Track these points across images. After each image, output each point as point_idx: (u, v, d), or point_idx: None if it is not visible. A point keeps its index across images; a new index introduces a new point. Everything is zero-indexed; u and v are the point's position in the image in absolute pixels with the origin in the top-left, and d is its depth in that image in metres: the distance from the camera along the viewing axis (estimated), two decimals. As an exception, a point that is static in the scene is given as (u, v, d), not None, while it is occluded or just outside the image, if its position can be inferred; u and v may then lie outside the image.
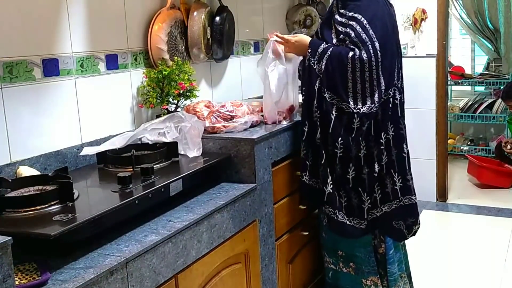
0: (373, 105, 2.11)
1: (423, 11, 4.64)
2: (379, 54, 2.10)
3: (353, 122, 2.12)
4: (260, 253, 2.06)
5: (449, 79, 4.73)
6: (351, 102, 2.11)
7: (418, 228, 2.32)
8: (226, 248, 1.83)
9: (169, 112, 2.20)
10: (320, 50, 2.16)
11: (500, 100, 4.86)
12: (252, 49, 3.12)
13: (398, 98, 2.23)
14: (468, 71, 5.36)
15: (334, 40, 2.20)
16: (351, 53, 2.09)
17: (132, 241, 1.49)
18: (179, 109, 2.25)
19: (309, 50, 2.19)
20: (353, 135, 2.13)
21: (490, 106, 5.07)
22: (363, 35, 2.10)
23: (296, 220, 2.37)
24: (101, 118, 2.07)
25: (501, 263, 3.01)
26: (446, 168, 4.08)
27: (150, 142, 2.02)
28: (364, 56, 2.08)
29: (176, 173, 1.80)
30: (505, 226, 3.53)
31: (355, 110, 2.10)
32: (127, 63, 2.20)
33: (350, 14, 2.16)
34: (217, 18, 2.61)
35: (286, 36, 2.27)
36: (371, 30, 2.11)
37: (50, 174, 1.68)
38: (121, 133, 2.06)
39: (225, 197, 1.87)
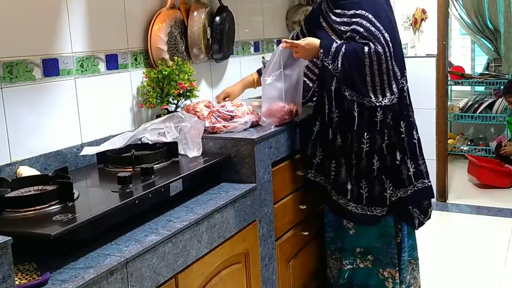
0: (393, 96, 2.18)
1: (423, 11, 4.65)
2: (391, 45, 2.16)
3: (376, 116, 2.18)
4: (260, 253, 2.06)
5: (449, 79, 4.73)
6: (373, 96, 2.16)
7: (431, 210, 2.41)
8: (226, 248, 1.83)
9: (169, 112, 2.20)
10: (333, 49, 2.19)
11: (500, 100, 4.86)
12: (252, 49, 3.12)
13: (407, 86, 2.30)
14: (468, 71, 5.36)
15: (338, 41, 2.23)
16: (366, 48, 2.14)
17: (132, 241, 1.49)
18: (179, 109, 2.25)
19: (321, 51, 2.21)
20: (377, 128, 2.19)
21: (490, 106, 5.08)
22: (372, 29, 2.15)
23: (296, 220, 2.37)
24: (101, 118, 2.07)
25: (501, 263, 3.01)
26: (446, 168, 4.08)
27: (150, 142, 2.02)
28: (379, 48, 2.13)
29: (176, 173, 1.81)
30: (505, 226, 3.53)
31: (377, 104, 2.16)
32: (127, 63, 2.20)
33: (351, 12, 2.20)
34: (217, 18, 2.61)
35: (295, 41, 2.28)
36: (378, 23, 2.16)
37: (50, 174, 1.68)
38: (121, 133, 2.06)
39: (225, 197, 1.87)
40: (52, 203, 1.46)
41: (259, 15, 3.21)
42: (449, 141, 4.92)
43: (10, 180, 1.59)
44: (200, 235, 1.68)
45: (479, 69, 5.42)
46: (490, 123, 5.10)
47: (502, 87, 4.73)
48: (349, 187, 2.23)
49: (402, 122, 2.25)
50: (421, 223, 2.40)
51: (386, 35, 2.15)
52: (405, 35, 4.14)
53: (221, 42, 2.64)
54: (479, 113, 5.05)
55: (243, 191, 1.94)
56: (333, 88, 2.21)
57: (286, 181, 2.27)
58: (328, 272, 2.50)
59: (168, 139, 2.01)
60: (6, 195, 1.51)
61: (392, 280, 2.37)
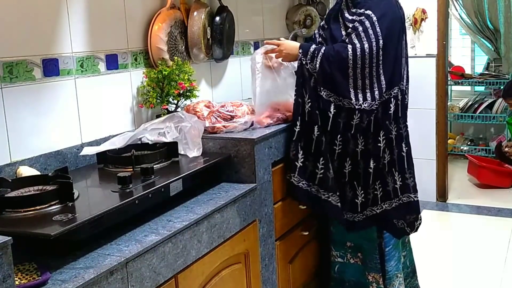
0: (373, 102, 2.14)
1: (423, 11, 4.64)
2: (381, 53, 2.12)
3: (353, 118, 2.14)
4: (260, 253, 2.06)
5: (449, 79, 4.73)
6: (353, 98, 2.13)
7: (419, 223, 2.35)
8: (226, 248, 1.83)
9: (169, 112, 2.20)
10: (311, 49, 2.19)
11: (500, 100, 4.86)
12: (252, 49, 3.12)
13: (400, 99, 2.24)
14: (468, 71, 5.35)
15: (344, 36, 2.22)
16: (349, 47, 2.11)
17: (132, 241, 1.49)
18: (179, 109, 2.25)
19: (300, 51, 2.20)
20: (352, 131, 2.16)
21: (490, 106, 5.07)
22: (370, 31, 2.13)
23: (296, 220, 2.37)
24: (101, 118, 2.07)
25: (501, 263, 3.01)
26: (446, 168, 4.08)
27: (150, 142, 2.02)
28: (366, 49, 2.10)
29: (176, 173, 1.81)
30: (505, 226, 3.53)
31: (356, 106, 2.12)
32: (127, 63, 2.20)
33: (361, 10, 2.19)
34: (217, 18, 2.61)
35: (271, 42, 2.31)
36: (378, 27, 2.13)
37: (50, 174, 1.68)
38: (121, 133, 2.06)
39: (225, 197, 1.87)
40: (52, 203, 1.46)
41: (259, 15, 3.21)
42: (449, 141, 4.92)
43: (10, 180, 1.59)
44: (200, 235, 1.68)
45: (479, 69, 5.41)
46: (490, 123, 5.10)
47: (502, 87, 4.73)
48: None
49: (382, 132, 2.20)
50: (405, 233, 2.33)
51: (381, 42, 2.11)
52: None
53: (221, 42, 2.64)
54: (479, 113, 5.05)
55: (243, 191, 1.94)
56: (311, 87, 2.19)
57: (286, 181, 2.27)
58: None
59: (168, 139, 2.01)
60: (6, 195, 1.51)
61: (376, 285, 2.35)
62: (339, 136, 2.17)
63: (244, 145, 2.04)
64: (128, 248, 1.44)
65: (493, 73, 5.11)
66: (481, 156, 4.86)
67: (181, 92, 2.23)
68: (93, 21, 2.03)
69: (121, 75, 2.17)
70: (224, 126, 2.14)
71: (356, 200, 2.24)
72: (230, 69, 2.91)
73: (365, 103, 2.13)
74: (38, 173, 1.73)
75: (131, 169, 1.80)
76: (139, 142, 2.03)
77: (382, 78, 2.15)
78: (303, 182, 2.22)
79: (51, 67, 1.87)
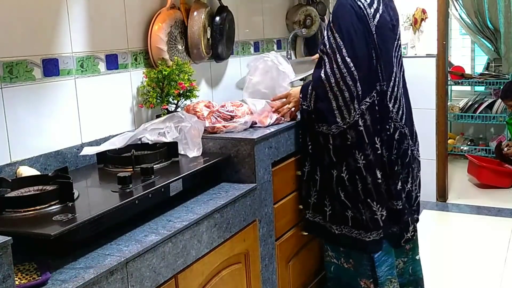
0: (354, 112, 2.13)
1: (423, 11, 4.65)
2: (348, 64, 2.10)
3: (348, 139, 2.15)
4: (260, 253, 2.06)
5: (449, 79, 4.73)
6: (340, 121, 2.14)
7: (411, 236, 2.35)
8: (226, 248, 1.83)
9: (169, 112, 2.20)
10: (308, 90, 2.22)
11: (500, 100, 4.86)
12: (252, 49, 3.12)
13: (377, 100, 2.19)
14: (468, 71, 5.36)
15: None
16: (322, 74, 2.14)
17: (132, 241, 1.49)
18: (179, 109, 2.25)
19: (301, 96, 2.25)
20: (350, 150, 2.17)
21: (490, 106, 5.07)
22: (334, 45, 2.13)
23: (296, 220, 2.37)
24: (101, 118, 2.07)
25: (501, 263, 3.01)
26: (446, 168, 4.08)
27: (150, 142, 2.02)
28: (328, 71, 2.12)
29: (176, 173, 1.80)
30: (505, 226, 3.53)
31: (345, 126, 2.13)
32: (127, 63, 2.20)
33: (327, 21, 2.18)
34: (217, 18, 2.61)
35: (278, 102, 2.35)
36: (339, 37, 2.11)
37: (50, 174, 1.68)
38: (121, 133, 2.06)
39: (225, 197, 1.87)
40: (52, 203, 1.46)
41: (259, 15, 3.21)
42: (449, 141, 4.92)
43: (10, 180, 1.59)
44: (200, 235, 1.68)
45: (479, 69, 5.41)
46: (490, 123, 5.10)
47: (502, 87, 4.73)
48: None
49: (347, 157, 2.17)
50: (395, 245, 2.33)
51: (344, 52, 2.09)
52: (405, 35, 4.14)
53: (221, 42, 2.64)
54: (479, 113, 5.05)
55: (243, 191, 1.94)
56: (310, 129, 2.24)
57: (286, 181, 2.27)
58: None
59: (168, 139, 2.01)
60: (6, 195, 1.51)
61: None
62: (344, 163, 2.18)
63: (244, 145, 2.04)
64: (128, 248, 1.44)
65: (493, 73, 5.11)
66: (481, 156, 4.86)
67: (181, 92, 2.23)
68: (93, 21, 2.03)
69: (121, 75, 2.17)
70: (224, 126, 2.14)
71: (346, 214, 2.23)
72: (230, 69, 2.91)
73: (351, 117, 2.13)
74: (38, 173, 1.73)
75: (131, 169, 1.80)
76: (139, 142, 2.03)
77: (346, 94, 2.11)
78: (319, 217, 2.30)
79: (51, 67, 1.87)
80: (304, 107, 2.22)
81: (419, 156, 2.46)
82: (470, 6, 5.00)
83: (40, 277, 1.26)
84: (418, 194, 2.44)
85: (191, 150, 2.00)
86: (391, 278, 2.33)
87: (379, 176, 2.18)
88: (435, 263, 3.07)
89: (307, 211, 2.32)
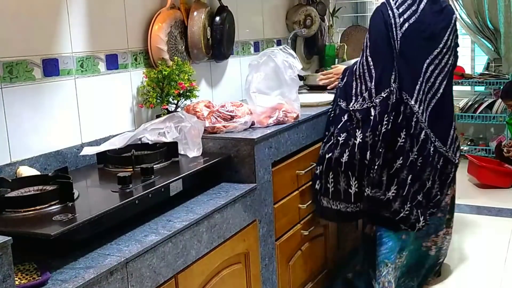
0: (364, 102, 2.46)
1: (423, 11, 4.62)
2: (367, 62, 2.47)
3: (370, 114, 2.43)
4: (260, 253, 2.06)
5: (449, 79, 4.72)
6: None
7: (421, 226, 2.44)
8: (226, 248, 1.83)
9: (169, 112, 2.20)
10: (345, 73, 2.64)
11: (500, 100, 4.86)
12: (252, 49, 3.12)
13: (381, 109, 2.41)
14: (468, 71, 5.35)
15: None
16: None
17: (132, 241, 1.49)
18: (179, 109, 2.25)
19: (341, 76, 2.68)
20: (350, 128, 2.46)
21: (490, 106, 5.07)
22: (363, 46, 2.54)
23: (296, 220, 2.37)
24: (101, 118, 2.07)
25: (501, 263, 3.01)
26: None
27: (150, 142, 2.02)
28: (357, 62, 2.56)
29: (176, 173, 1.80)
30: (505, 226, 3.52)
31: (359, 108, 2.45)
32: (127, 63, 2.20)
33: None
34: (217, 18, 2.61)
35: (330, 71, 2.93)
36: (367, 41, 2.51)
37: (50, 174, 1.68)
38: (121, 133, 2.06)
39: (225, 197, 1.87)
40: (52, 203, 1.46)
41: (259, 15, 3.21)
42: (449, 141, 4.91)
43: (10, 180, 1.59)
44: (200, 235, 1.68)
45: (479, 69, 5.41)
46: (490, 123, 5.09)
47: (502, 87, 4.73)
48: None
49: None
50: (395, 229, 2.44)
51: (368, 52, 2.46)
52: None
53: (221, 42, 2.64)
54: (479, 113, 5.05)
55: (243, 191, 1.94)
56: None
57: (286, 181, 2.27)
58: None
59: (168, 139, 2.01)
60: (6, 195, 1.51)
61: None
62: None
63: (244, 145, 2.04)
64: (128, 248, 1.44)
65: (493, 73, 5.10)
66: (481, 156, 4.85)
67: (181, 92, 2.23)
68: (93, 21, 2.03)
69: (121, 75, 2.17)
70: (224, 126, 2.14)
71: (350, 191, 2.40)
72: (230, 69, 2.91)
73: (356, 104, 2.46)
74: (38, 173, 1.73)
75: (131, 169, 1.80)
76: (139, 142, 2.03)
77: (362, 87, 2.47)
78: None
79: (51, 67, 1.87)
80: (339, 84, 2.64)
81: (454, 159, 2.58)
82: (470, 6, 4.99)
83: (40, 277, 1.26)
84: (438, 193, 2.55)
85: (191, 150, 2.00)
86: (388, 262, 2.43)
87: (368, 157, 2.37)
88: (435, 263, 3.06)
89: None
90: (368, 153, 2.36)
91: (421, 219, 2.42)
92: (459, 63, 5.54)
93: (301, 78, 2.89)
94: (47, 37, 1.85)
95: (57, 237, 1.27)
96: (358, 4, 4.98)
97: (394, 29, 2.40)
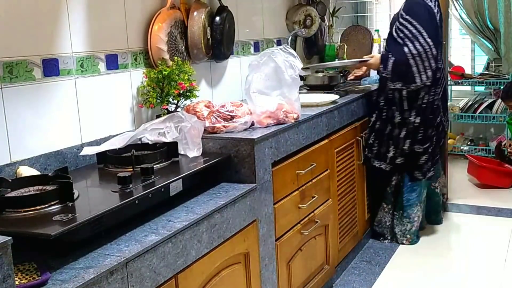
0: (428, 79, 2.97)
1: (423, 11, 4.61)
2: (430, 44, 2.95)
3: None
4: (260, 253, 2.06)
5: (449, 79, 4.72)
6: (418, 81, 2.96)
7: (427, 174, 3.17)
8: (226, 248, 1.83)
9: (169, 112, 2.20)
10: (389, 61, 3.00)
11: (500, 100, 4.86)
12: (252, 49, 3.12)
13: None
14: (468, 71, 5.35)
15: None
16: (406, 49, 2.95)
17: (132, 241, 1.49)
18: (179, 109, 2.25)
19: (381, 66, 3.02)
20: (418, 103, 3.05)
21: (490, 106, 5.07)
22: (414, 31, 2.98)
23: (296, 220, 2.37)
24: (101, 118, 2.07)
25: (501, 263, 3.01)
26: (446, 168, 4.07)
27: (150, 142, 2.02)
28: (418, 47, 2.93)
29: (176, 173, 1.81)
30: (505, 226, 3.52)
31: (420, 85, 2.96)
32: (127, 63, 2.20)
33: (401, 13, 3.04)
34: (217, 18, 2.61)
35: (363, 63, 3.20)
36: (418, 25, 2.98)
37: (50, 174, 1.68)
38: (121, 133, 2.06)
39: (225, 197, 1.87)
40: (52, 203, 1.46)
41: (259, 15, 3.21)
42: (449, 141, 4.92)
43: (10, 180, 1.59)
44: (200, 235, 1.68)
45: (479, 69, 5.41)
46: (490, 123, 5.09)
47: (502, 87, 4.73)
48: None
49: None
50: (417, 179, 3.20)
51: (425, 35, 2.90)
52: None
53: (221, 42, 2.64)
54: (479, 113, 5.04)
55: (243, 191, 1.94)
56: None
57: (286, 181, 2.27)
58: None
59: (168, 139, 2.01)
60: (6, 195, 1.51)
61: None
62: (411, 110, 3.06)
63: (244, 145, 2.04)
64: (128, 248, 1.44)
65: (493, 73, 5.10)
66: (481, 156, 4.85)
67: (181, 92, 2.23)
68: (93, 21, 2.03)
69: (121, 75, 2.17)
70: (224, 126, 2.14)
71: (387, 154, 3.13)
72: (230, 69, 2.91)
73: (428, 81, 2.96)
74: (38, 173, 1.73)
75: (131, 169, 1.80)
76: (139, 142, 2.03)
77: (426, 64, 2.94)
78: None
79: (51, 67, 1.87)
80: (383, 74, 3.00)
81: (445, 125, 3.40)
82: (470, 6, 4.99)
83: (40, 277, 1.26)
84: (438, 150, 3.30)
85: (191, 150, 2.00)
86: (418, 203, 3.25)
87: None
88: (434, 263, 3.07)
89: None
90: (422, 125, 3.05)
91: (431, 169, 3.17)
92: (459, 63, 5.57)
93: (301, 78, 2.89)
94: (47, 37, 1.85)
95: (57, 237, 1.27)
96: (358, 4, 4.98)
97: (435, 17, 3.01)
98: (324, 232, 2.65)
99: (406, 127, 3.06)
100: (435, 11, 3.03)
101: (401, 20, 2.99)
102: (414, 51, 2.89)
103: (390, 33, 3.08)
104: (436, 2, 3.07)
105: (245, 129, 2.18)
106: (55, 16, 1.88)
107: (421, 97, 3.01)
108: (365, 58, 3.13)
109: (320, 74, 3.56)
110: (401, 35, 2.96)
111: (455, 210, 3.95)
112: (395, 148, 3.10)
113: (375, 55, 3.10)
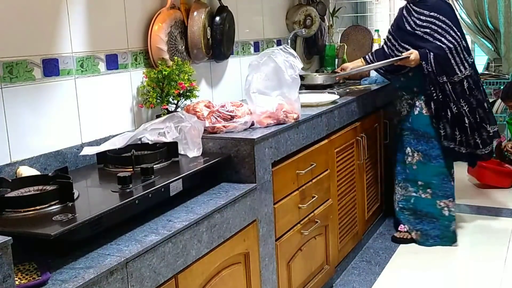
0: (466, 70, 3.15)
1: (423, 11, 4.61)
2: (460, 39, 3.16)
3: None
4: (260, 253, 2.06)
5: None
6: (459, 72, 3.13)
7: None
8: (226, 248, 1.83)
9: (169, 112, 2.20)
10: (429, 56, 3.09)
11: (500, 100, 4.86)
12: (252, 49, 3.12)
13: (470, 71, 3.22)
14: (468, 71, 5.34)
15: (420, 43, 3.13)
16: (443, 45, 3.09)
17: (132, 241, 1.49)
18: (179, 109, 2.25)
19: (423, 61, 3.07)
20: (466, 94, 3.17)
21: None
22: (445, 27, 3.15)
23: (296, 220, 2.37)
24: (101, 118, 2.07)
25: (501, 263, 3.01)
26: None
27: (150, 142, 2.02)
28: (452, 42, 3.10)
29: (176, 173, 1.81)
30: (505, 226, 3.53)
31: (462, 76, 3.14)
32: (127, 63, 2.20)
33: (428, 13, 3.14)
34: (217, 18, 2.61)
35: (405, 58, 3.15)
36: (448, 21, 3.16)
37: (50, 174, 1.68)
38: (121, 133, 2.06)
39: (225, 197, 1.87)
40: (52, 203, 1.46)
41: (259, 15, 3.21)
42: (449, 141, 4.91)
43: (10, 180, 1.59)
44: (200, 235, 1.68)
45: (479, 69, 5.40)
46: (490, 123, 5.09)
47: (502, 87, 4.73)
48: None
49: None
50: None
51: (455, 29, 3.09)
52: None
53: (221, 42, 2.64)
54: (479, 113, 5.04)
55: (243, 191, 1.94)
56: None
57: (286, 181, 2.27)
58: (394, 197, 3.43)
59: (168, 139, 2.01)
60: (6, 195, 1.51)
61: (447, 209, 3.22)
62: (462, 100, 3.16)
63: (244, 145, 2.04)
64: (128, 248, 1.44)
65: (493, 73, 5.10)
66: (481, 156, 4.84)
67: (181, 92, 2.23)
68: (93, 21, 2.03)
69: (121, 75, 2.17)
70: (224, 126, 2.14)
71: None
72: (230, 69, 2.91)
73: (466, 71, 3.14)
74: (38, 173, 1.73)
75: (131, 169, 1.80)
76: (139, 142, 2.03)
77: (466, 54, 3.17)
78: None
79: (51, 67, 1.87)
80: (428, 69, 3.07)
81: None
82: (470, 6, 5.00)
83: (40, 277, 1.26)
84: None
85: (191, 150, 2.00)
86: None
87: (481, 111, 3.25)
88: (434, 262, 3.07)
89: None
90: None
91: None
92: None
93: (301, 78, 2.89)
94: (47, 37, 1.85)
95: (57, 237, 1.27)
96: (358, 4, 4.98)
97: (457, 14, 3.26)
98: (324, 232, 2.66)
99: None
100: (456, 7, 3.33)
101: (423, 17, 3.11)
102: (450, 45, 3.06)
103: (410, 32, 3.13)
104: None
105: (245, 129, 2.18)
106: (55, 16, 1.88)
107: (467, 87, 3.15)
108: (405, 55, 3.11)
109: (319, 74, 3.57)
110: (430, 31, 3.09)
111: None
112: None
113: (413, 51, 3.10)
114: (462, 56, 3.12)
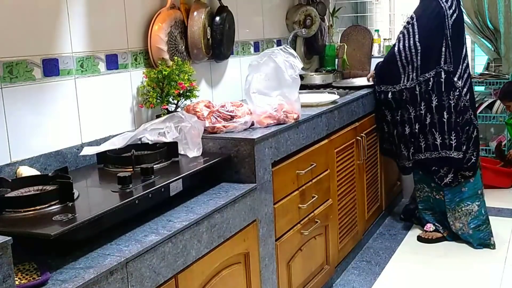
0: (412, 81, 3.07)
1: (423, 11, 4.61)
2: (416, 47, 3.04)
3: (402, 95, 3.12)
4: (260, 253, 2.06)
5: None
6: (405, 81, 3.10)
7: (450, 179, 3.15)
8: (226, 248, 1.83)
9: (169, 112, 2.20)
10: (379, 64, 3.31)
11: (498, 100, 4.86)
12: (252, 49, 3.12)
13: (444, 77, 3.03)
14: (468, 71, 5.34)
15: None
16: (395, 48, 3.13)
17: (132, 241, 1.49)
18: (179, 109, 2.25)
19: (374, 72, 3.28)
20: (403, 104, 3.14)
21: (490, 106, 5.06)
22: (410, 31, 3.12)
23: (296, 220, 2.37)
24: (101, 118, 2.07)
25: (501, 263, 3.01)
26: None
27: (150, 142, 2.02)
28: (401, 47, 3.07)
29: (176, 173, 1.81)
30: (505, 226, 3.53)
31: (402, 87, 3.10)
32: (127, 63, 2.20)
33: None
34: (217, 18, 2.61)
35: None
36: (416, 26, 3.07)
37: (50, 174, 1.68)
38: (121, 133, 2.06)
39: (225, 197, 1.87)
40: (52, 203, 1.47)
41: (259, 15, 3.21)
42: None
43: (10, 180, 1.59)
44: (200, 235, 1.68)
45: (479, 69, 5.41)
46: (490, 123, 5.09)
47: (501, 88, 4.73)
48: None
49: (423, 102, 3.08)
50: (442, 181, 3.18)
51: (417, 37, 3.00)
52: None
53: (221, 42, 2.64)
54: (479, 113, 5.04)
55: (243, 191, 1.94)
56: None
57: (286, 181, 2.27)
58: (416, 195, 3.45)
59: (168, 139, 2.01)
60: (6, 195, 1.51)
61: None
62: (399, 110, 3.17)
63: (244, 145, 2.04)
64: (128, 248, 1.44)
65: (493, 73, 5.10)
66: (481, 156, 4.85)
67: (181, 92, 2.23)
68: (93, 21, 2.03)
69: (121, 75, 2.17)
70: (224, 126, 2.14)
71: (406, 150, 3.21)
72: (230, 69, 2.91)
73: (408, 83, 3.05)
74: (38, 173, 1.73)
75: (131, 169, 1.80)
76: (139, 142, 2.03)
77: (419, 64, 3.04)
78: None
79: (51, 67, 1.87)
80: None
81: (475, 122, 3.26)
82: (470, 6, 4.99)
83: (40, 277, 1.26)
84: (472, 156, 3.15)
85: (191, 150, 2.00)
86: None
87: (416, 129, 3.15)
88: (434, 262, 3.07)
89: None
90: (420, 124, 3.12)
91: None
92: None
93: (300, 77, 2.89)
94: (47, 37, 1.85)
95: (57, 237, 1.27)
96: (358, 4, 4.98)
97: (446, 18, 2.99)
98: (324, 232, 2.66)
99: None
100: (448, 12, 3.01)
101: (412, 14, 3.11)
102: (402, 51, 3.06)
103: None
104: (454, 2, 3.05)
105: (245, 129, 2.18)
106: (55, 16, 1.88)
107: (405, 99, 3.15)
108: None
109: (318, 74, 3.58)
110: (403, 30, 3.10)
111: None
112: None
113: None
114: (413, 67, 3.05)
